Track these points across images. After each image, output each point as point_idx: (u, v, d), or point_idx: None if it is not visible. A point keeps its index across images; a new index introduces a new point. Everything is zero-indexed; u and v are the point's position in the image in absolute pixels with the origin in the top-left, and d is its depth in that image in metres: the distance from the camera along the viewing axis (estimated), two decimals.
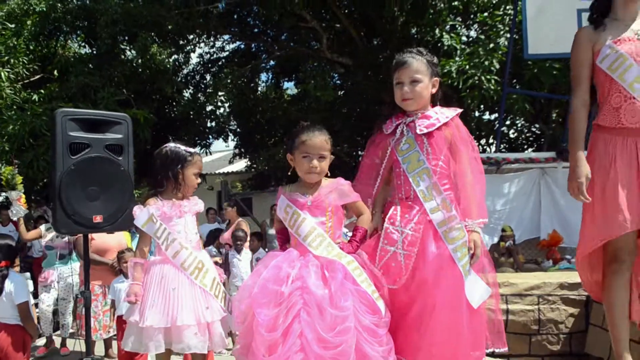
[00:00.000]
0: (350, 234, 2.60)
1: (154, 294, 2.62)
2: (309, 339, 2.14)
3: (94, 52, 12.21)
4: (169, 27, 11.36)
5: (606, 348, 4.52)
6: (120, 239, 6.26)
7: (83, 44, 12.93)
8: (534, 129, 12.87)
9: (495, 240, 7.55)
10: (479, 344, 2.40)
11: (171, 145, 2.87)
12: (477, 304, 2.38)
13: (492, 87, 8.61)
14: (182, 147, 2.86)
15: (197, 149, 3.05)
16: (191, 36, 12.80)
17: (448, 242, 2.36)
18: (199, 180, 2.94)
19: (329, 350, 2.13)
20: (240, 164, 17.73)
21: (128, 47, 11.97)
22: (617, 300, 2.47)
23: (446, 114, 2.55)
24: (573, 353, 5.26)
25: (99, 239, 5.73)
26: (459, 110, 2.60)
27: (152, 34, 11.45)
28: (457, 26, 10.24)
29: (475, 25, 10.62)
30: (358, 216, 2.58)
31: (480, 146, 11.87)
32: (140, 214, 2.71)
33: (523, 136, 13.23)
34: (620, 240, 2.43)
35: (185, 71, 14.24)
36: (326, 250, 2.37)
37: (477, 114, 10.89)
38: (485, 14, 9.93)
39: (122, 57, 11.95)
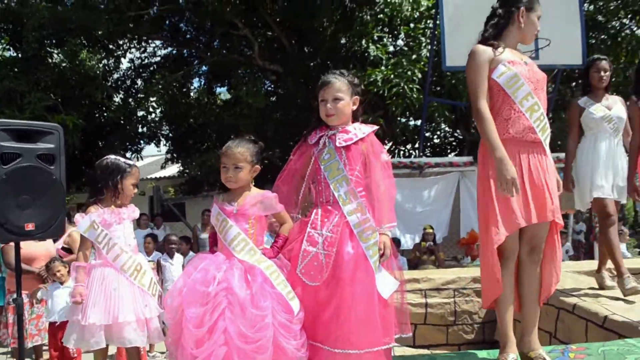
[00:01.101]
0: None
1: (96, 294, 2.81)
2: (232, 334, 2.41)
3: (19, 55, 11.85)
4: (99, 32, 11.23)
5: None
6: (48, 247, 6.18)
7: (8, 46, 12.51)
8: (456, 134, 13.57)
9: (418, 240, 7.98)
10: (388, 331, 2.71)
11: (112, 157, 3.08)
12: (387, 296, 2.71)
13: (415, 96, 9.13)
14: (122, 160, 3.07)
15: (128, 155, 3.27)
16: (122, 41, 12.67)
17: (362, 241, 2.68)
18: (136, 190, 3.15)
19: (250, 344, 2.41)
20: (173, 169, 17.54)
21: (56, 51, 11.71)
22: (503, 288, 2.86)
23: (363, 129, 2.86)
24: (486, 341, 5.64)
25: (26, 248, 5.53)
26: (375, 128, 2.93)
27: (82, 38, 11.28)
28: (383, 37, 10.72)
29: (402, 35, 11.13)
30: (281, 224, 2.88)
31: (405, 150, 12.40)
32: (82, 221, 2.90)
33: (446, 141, 13.93)
34: (506, 239, 2.79)
35: (115, 76, 13.99)
36: (248, 255, 2.65)
37: (403, 120, 11.40)
38: (412, 25, 10.47)
39: (50, 61, 11.65)
